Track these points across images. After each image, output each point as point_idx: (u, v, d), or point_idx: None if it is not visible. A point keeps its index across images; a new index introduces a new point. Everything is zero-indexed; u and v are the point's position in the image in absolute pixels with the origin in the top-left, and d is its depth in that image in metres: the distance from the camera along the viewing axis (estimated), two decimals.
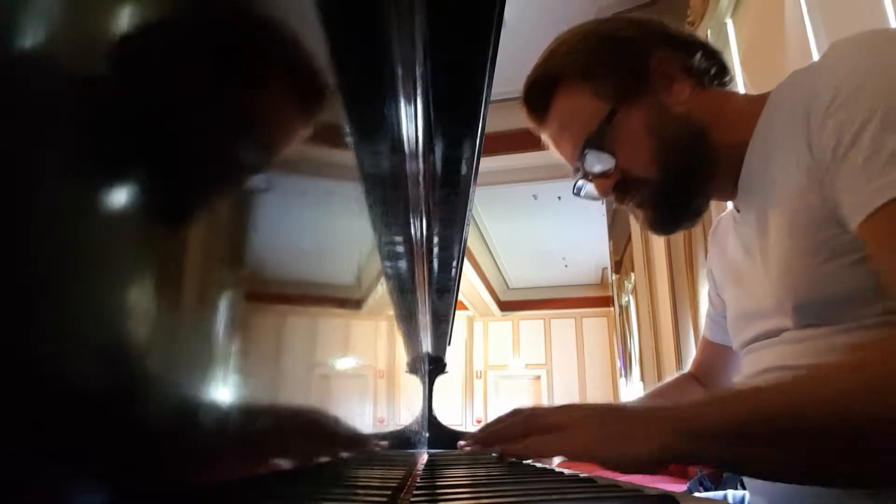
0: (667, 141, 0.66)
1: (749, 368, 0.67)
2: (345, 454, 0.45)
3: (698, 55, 0.69)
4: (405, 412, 1.09)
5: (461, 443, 0.70)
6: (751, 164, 0.65)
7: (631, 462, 0.48)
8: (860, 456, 0.44)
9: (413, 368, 1.24)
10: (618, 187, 0.70)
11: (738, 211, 0.71)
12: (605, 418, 0.52)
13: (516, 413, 0.59)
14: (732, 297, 0.73)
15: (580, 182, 0.74)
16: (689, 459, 0.49)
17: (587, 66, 0.69)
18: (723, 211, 0.84)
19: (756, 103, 0.65)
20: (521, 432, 0.54)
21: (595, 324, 9.84)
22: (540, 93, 0.73)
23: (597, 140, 0.68)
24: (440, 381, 1.55)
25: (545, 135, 0.76)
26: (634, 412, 0.53)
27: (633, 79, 0.67)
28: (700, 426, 0.48)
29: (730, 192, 0.70)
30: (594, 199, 0.75)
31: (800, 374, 0.47)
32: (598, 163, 0.69)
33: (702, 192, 0.70)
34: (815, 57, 1.65)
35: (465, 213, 0.95)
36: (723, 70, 0.70)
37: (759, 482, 0.65)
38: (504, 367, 10.21)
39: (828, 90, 0.51)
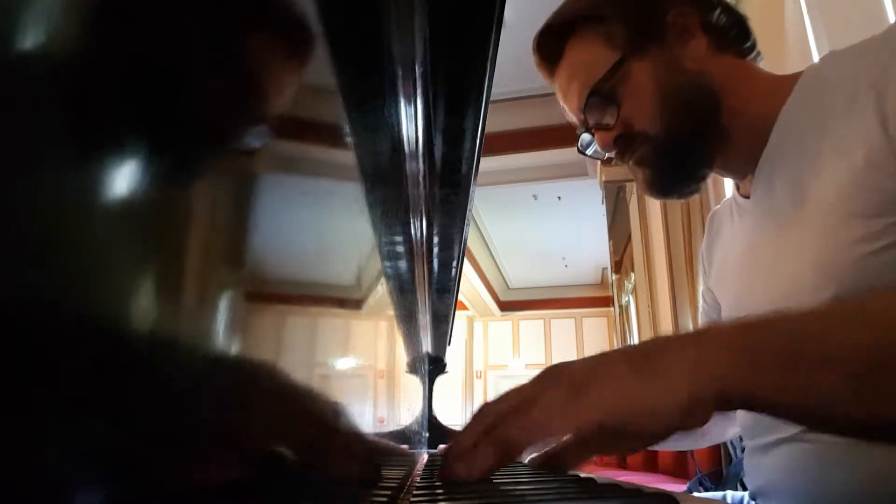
0: (674, 95, 0.64)
1: None
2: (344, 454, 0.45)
3: (718, 12, 0.66)
4: (405, 412, 1.09)
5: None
6: (780, 144, 0.61)
7: (662, 411, 0.32)
8: None
9: (413, 368, 1.24)
10: (619, 141, 0.67)
11: (746, 197, 0.67)
12: (607, 360, 0.36)
13: (483, 415, 0.39)
14: (736, 289, 0.70)
15: (586, 138, 0.72)
16: (744, 397, 0.33)
17: (601, 12, 0.67)
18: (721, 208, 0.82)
19: (783, 82, 0.62)
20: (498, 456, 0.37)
21: (595, 324, 9.84)
22: (553, 41, 0.71)
23: (602, 88, 0.65)
24: (440, 381, 1.55)
25: (555, 86, 0.74)
26: (658, 342, 0.37)
27: (647, 28, 0.65)
28: (768, 345, 0.33)
29: (740, 169, 0.67)
30: (599, 157, 0.73)
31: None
32: (602, 112, 0.67)
33: (706, 155, 0.66)
34: (815, 56, 1.65)
35: (465, 213, 0.95)
36: (745, 35, 0.67)
37: (761, 482, 0.64)
38: (504, 367, 10.21)
39: None
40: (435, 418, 1.47)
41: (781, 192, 0.61)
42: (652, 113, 0.65)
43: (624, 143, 0.67)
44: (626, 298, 5.87)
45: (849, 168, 0.52)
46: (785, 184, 0.60)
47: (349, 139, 0.45)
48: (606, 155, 0.72)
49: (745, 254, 0.68)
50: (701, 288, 0.85)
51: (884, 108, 0.49)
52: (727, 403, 0.33)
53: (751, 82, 0.65)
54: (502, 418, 0.37)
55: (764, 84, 0.65)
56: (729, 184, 0.74)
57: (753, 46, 0.68)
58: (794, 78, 0.62)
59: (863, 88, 0.51)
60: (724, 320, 0.46)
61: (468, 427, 0.38)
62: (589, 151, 0.73)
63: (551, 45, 0.71)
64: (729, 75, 0.64)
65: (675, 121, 0.64)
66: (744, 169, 0.67)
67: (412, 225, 0.84)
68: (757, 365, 0.32)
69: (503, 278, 9.67)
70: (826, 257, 0.53)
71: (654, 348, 0.35)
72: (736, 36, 0.67)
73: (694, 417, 0.32)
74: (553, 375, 0.37)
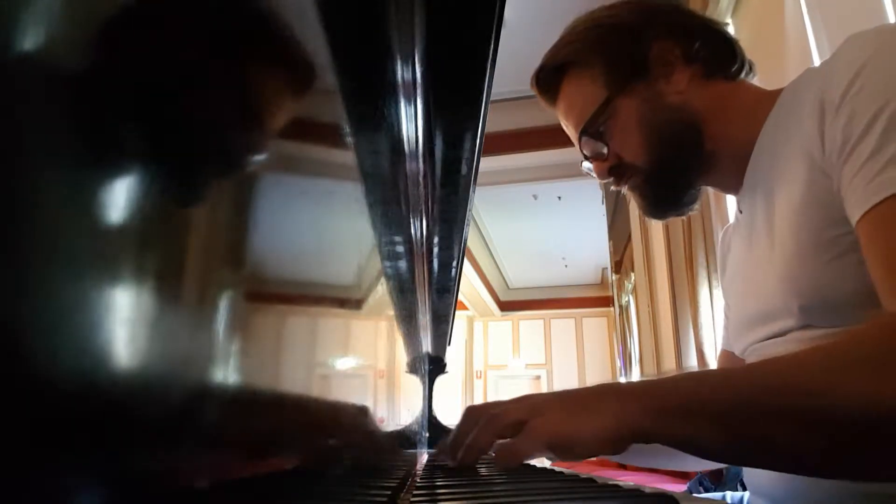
0: (657, 130, 0.68)
1: None
2: (345, 454, 0.45)
3: (699, 44, 0.68)
4: (405, 412, 1.09)
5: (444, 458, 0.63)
6: (758, 160, 0.64)
7: (592, 440, 0.45)
8: (833, 443, 0.41)
9: (413, 368, 1.24)
10: (613, 171, 0.72)
11: (741, 212, 0.70)
12: (564, 398, 0.50)
13: (471, 413, 0.55)
14: (736, 301, 0.73)
15: (587, 164, 0.76)
16: (650, 437, 0.46)
17: (588, 55, 0.71)
18: (726, 222, 0.84)
19: (766, 99, 0.65)
20: (491, 438, 0.51)
21: (595, 324, 9.83)
22: (549, 77, 0.76)
23: (592, 126, 0.70)
24: (440, 381, 1.55)
25: (557, 114, 0.79)
26: (595, 389, 0.50)
27: (630, 67, 0.69)
28: (665, 402, 0.46)
29: (733, 186, 0.70)
30: (603, 178, 0.78)
31: (775, 358, 0.46)
32: (593, 148, 0.72)
33: (692, 183, 0.71)
34: (815, 56, 1.65)
35: (465, 213, 0.95)
36: (731, 59, 0.70)
37: (760, 482, 0.65)
38: (504, 367, 10.21)
39: (843, 81, 0.50)
40: (435, 418, 1.47)
41: (760, 207, 0.63)
42: (637, 147, 0.69)
43: (618, 173, 0.72)
44: (626, 298, 5.87)
45: (799, 184, 0.55)
46: (762, 199, 0.63)
47: (349, 139, 0.45)
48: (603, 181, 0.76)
49: (741, 268, 0.71)
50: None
51: (822, 127, 0.52)
52: (637, 440, 0.46)
53: (736, 106, 0.67)
54: (484, 426, 0.51)
55: (749, 104, 0.67)
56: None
57: (741, 67, 0.70)
58: (776, 95, 0.64)
59: (810, 107, 0.54)
60: (656, 375, 0.63)
61: (464, 424, 0.54)
62: (594, 174, 0.78)
63: (547, 82, 0.76)
64: (713, 103, 0.67)
65: (658, 154, 0.68)
66: (736, 185, 0.70)
67: (412, 225, 0.84)
68: (652, 418, 0.46)
69: (503, 278, 9.66)
70: (788, 271, 0.56)
71: (593, 396, 0.49)
72: (722, 61, 0.69)
73: (614, 446, 0.46)
74: (522, 399, 0.52)
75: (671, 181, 0.70)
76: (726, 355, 0.88)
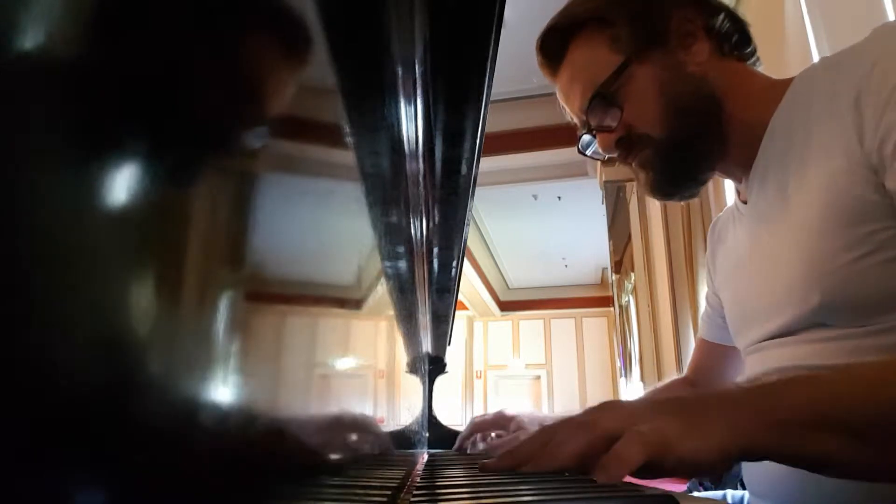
0: (677, 99, 0.65)
1: (757, 368, 0.64)
2: (344, 454, 0.45)
3: (721, 18, 0.66)
4: (405, 412, 1.09)
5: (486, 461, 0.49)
6: (769, 149, 0.62)
7: (698, 454, 0.38)
8: None
9: (413, 368, 1.24)
10: (621, 143, 0.68)
11: (745, 202, 0.69)
12: (661, 406, 0.43)
13: (550, 428, 0.46)
14: (737, 293, 0.71)
15: (586, 139, 0.72)
16: (768, 453, 0.40)
17: (607, 14, 0.67)
18: (723, 211, 0.83)
19: (777, 87, 0.63)
20: (582, 446, 0.42)
21: (595, 324, 9.83)
22: (557, 40, 0.71)
23: (606, 90, 0.66)
24: (440, 381, 1.55)
25: (556, 86, 0.74)
26: (695, 398, 0.45)
27: (651, 31, 0.66)
28: (787, 413, 0.39)
29: (737, 174, 0.68)
30: (600, 158, 0.73)
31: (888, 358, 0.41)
32: (604, 115, 0.67)
33: (707, 158, 0.67)
34: (815, 56, 1.65)
35: (465, 213, 0.95)
36: (746, 40, 0.68)
37: (760, 482, 0.64)
38: (504, 367, 10.21)
39: (886, 75, 0.48)
40: (435, 418, 1.47)
41: (771, 197, 0.62)
42: (654, 116, 0.65)
43: (626, 146, 0.68)
44: (626, 298, 5.86)
45: (829, 177, 0.53)
46: (774, 190, 0.61)
47: (349, 139, 0.45)
48: (607, 156, 0.72)
49: (745, 258, 0.69)
50: (705, 291, 0.85)
51: (861, 120, 0.50)
52: (747, 457, 0.40)
53: (749, 87, 0.66)
54: (572, 432, 0.43)
55: (760, 89, 0.65)
56: (729, 186, 0.75)
57: (754, 52, 0.69)
58: (789, 83, 0.62)
59: (843, 98, 0.52)
60: (745, 380, 0.58)
61: (536, 435, 0.47)
62: (589, 151, 0.74)
63: (555, 45, 0.72)
64: (729, 80, 0.65)
65: (677, 124, 0.65)
66: (740, 173, 0.68)
67: (412, 225, 0.84)
68: (772, 433, 0.39)
69: (503, 278, 9.66)
70: (811, 265, 0.54)
71: (696, 405, 0.43)
72: (737, 41, 0.68)
73: (721, 464, 0.39)
74: (611, 407, 0.44)
75: (686, 155, 0.66)
76: (704, 344, 0.86)
